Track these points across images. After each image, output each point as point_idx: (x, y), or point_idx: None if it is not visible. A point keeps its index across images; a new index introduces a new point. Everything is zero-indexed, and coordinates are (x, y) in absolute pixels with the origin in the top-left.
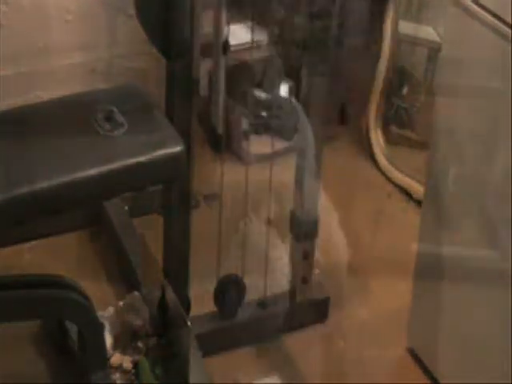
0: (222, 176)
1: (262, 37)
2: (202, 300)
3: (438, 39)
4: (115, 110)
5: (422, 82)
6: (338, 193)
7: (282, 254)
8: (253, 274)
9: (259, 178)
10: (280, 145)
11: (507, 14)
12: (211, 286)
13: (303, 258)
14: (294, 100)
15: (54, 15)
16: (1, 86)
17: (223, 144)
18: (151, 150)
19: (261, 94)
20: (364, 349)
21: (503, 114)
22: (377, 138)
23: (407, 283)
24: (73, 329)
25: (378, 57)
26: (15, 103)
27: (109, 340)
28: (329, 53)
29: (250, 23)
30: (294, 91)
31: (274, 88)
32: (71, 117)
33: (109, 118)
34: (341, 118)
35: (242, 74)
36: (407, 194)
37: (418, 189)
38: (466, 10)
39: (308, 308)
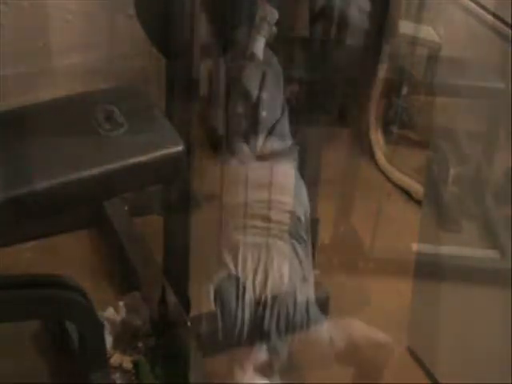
0: (221, 176)
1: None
2: (201, 300)
3: (437, 39)
4: (115, 109)
5: (422, 81)
6: (338, 193)
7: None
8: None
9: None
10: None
11: (507, 14)
12: (211, 286)
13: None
14: (293, 100)
15: (54, 15)
16: (1, 86)
17: (223, 144)
18: (151, 150)
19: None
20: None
21: (503, 114)
22: (377, 138)
23: (407, 283)
24: (73, 329)
25: (378, 57)
26: (15, 103)
27: (109, 340)
28: (329, 53)
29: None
30: (294, 91)
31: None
32: (71, 117)
33: (109, 118)
34: (341, 118)
35: (241, 74)
36: (407, 193)
37: (417, 189)
38: (465, 9)
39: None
